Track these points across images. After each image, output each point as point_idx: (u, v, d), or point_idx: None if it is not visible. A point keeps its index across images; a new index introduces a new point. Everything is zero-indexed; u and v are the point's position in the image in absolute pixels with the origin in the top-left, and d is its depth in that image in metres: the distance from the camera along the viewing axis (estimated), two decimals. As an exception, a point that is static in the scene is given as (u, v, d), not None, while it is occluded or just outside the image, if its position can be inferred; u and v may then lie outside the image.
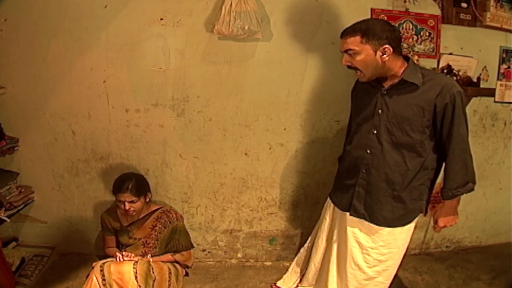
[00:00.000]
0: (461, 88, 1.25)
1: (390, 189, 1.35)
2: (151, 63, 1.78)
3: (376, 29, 1.21)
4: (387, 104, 1.30)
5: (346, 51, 1.27)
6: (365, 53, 1.23)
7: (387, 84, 1.31)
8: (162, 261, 1.68)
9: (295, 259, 1.84)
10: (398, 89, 1.29)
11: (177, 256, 1.75)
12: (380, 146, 1.33)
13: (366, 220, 1.40)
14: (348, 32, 1.26)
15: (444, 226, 1.39)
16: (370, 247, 1.42)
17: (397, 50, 1.25)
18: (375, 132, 1.33)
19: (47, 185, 1.95)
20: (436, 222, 1.41)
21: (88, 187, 1.96)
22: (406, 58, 1.32)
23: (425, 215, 1.45)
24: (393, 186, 1.34)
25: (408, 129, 1.27)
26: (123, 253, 1.64)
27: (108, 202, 1.96)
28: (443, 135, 1.27)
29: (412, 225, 1.41)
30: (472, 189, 1.31)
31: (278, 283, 1.87)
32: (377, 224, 1.39)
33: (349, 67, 1.30)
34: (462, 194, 1.31)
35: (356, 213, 1.43)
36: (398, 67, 1.27)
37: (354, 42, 1.23)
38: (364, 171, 1.38)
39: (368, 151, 1.36)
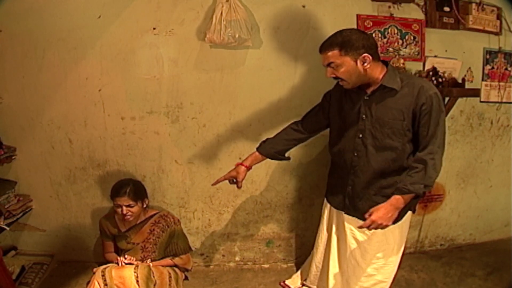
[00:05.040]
0: (437, 90, 1.29)
1: (376, 189, 1.40)
2: (145, 72, 1.81)
3: (352, 39, 1.25)
4: (370, 109, 1.35)
5: (328, 65, 1.31)
6: (347, 64, 1.27)
7: (369, 90, 1.35)
8: (162, 265, 1.70)
9: (307, 259, 1.87)
10: (378, 94, 1.33)
11: (176, 260, 1.77)
12: (365, 149, 1.38)
13: (359, 218, 1.44)
14: (326, 47, 1.29)
15: (374, 222, 1.25)
16: (368, 244, 1.46)
17: (375, 56, 1.29)
18: (360, 136, 1.38)
19: (45, 193, 1.97)
20: (370, 214, 1.29)
21: (86, 195, 1.98)
22: (385, 63, 1.36)
23: (413, 212, 1.49)
24: (379, 186, 1.39)
25: (390, 133, 1.32)
26: (126, 256, 1.66)
27: (106, 209, 1.98)
28: (419, 135, 1.30)
29: (405, 222, 1.44)
30: (420, 191, 1.25)
31: (287, 282, 1.91)
32: None
33: (334, 77, 1.33)
34: (411, 192, 1.26)
35: (349, 212, 1.48)
36: (378, 73, 1.31)
37: (333, 56, 1.27)
38: (352, 172, 1.43)
39: (355, 154, 1.41)
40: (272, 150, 1.57)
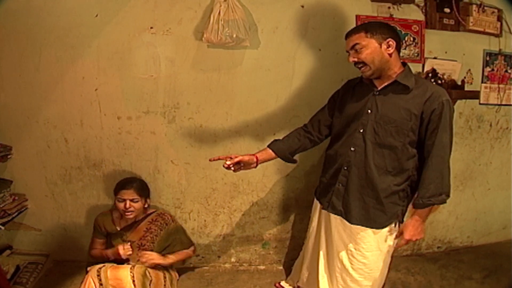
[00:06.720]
0: (449, 97, 1.28)
1: (368, 188, 1.37)
2: (142, 71, 1.80)
3: (376, 26, 1.29)
4: (377, 105, 1.34)
5: (352, 47, 1.31)
6: (372, 46, 1.27)
7: (381, 85, 1.34)
8: (178, 259, 1.75)
9: (296, 261, 1.87)
10: (390, 90, 1.32)
11: (187, 252, 1.83)
12: (363, 144, 1.36)
13: (342, 217, 1.43)
14: (352, 31, 1.33)
15: (409, 240, 1.33)
16: (354, 248, 1.44)
17: (398, 47, 1.31)
18: (361, 130, 1.36)
19: (41, 192, 1.96)
20: (401, 233, 1.36)
21: (82, 194, 1.98)
22: (403, 64, 1.36)
23: (402, 222, 1.43)
24: (371, 185, 1.36)
25: (393, 131, 1.30)
26: (126, 246, 1.65)
27: (102, 209, 1.96)
28: (426, 142, 1.29)
29: (392, 229, 1.40)
30: (444, 201, 1.29)
31: (283, 283, 1.92)
32: (350, 222, 1.41)
33: (355, 64, 1.33)
34: (434, 204, 1.29)
35: (333, 210, 1.45)
36: (397, 67, 1.31)
37: (359, 38, 1.28)
38: (345, 168, 1.41)
39: (352, 149, 1.39)
40: (284, 146, 1.54)
